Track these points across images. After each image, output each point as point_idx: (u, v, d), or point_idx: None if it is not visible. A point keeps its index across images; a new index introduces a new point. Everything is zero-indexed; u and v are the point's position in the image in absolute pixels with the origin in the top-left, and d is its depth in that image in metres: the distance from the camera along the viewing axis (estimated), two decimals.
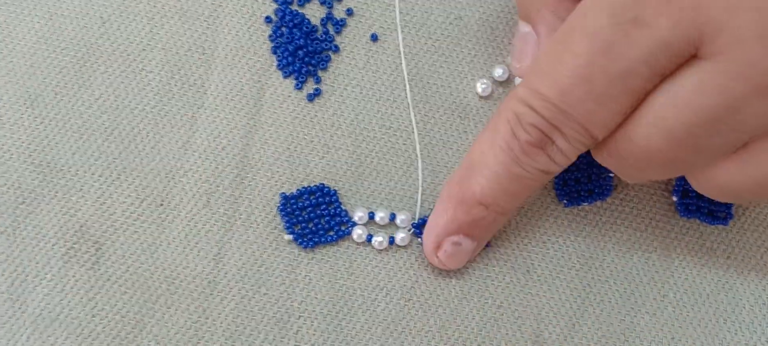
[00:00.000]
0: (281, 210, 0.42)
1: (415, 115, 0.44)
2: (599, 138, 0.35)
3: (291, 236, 0.41)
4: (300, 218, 0.42)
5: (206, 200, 0.41)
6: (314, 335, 0.41)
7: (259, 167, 0.42)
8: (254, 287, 0.41)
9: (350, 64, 0.44)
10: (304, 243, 0.41)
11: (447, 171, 0.43)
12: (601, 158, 0.36)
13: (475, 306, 0.41)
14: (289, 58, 0.44)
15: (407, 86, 0.44)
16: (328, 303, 0.41)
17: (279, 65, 0.44)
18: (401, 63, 0.44)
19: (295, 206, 0.42)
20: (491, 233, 0.41)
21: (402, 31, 0.44)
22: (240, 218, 0.41)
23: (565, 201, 0.43)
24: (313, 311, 0.41)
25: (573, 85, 0.33)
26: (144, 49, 0.43)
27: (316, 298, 0.41)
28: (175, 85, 0.43)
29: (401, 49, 0.44)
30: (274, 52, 0.44)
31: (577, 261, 0.42)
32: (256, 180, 0.42)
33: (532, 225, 0.43)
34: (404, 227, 0.42)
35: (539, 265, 0.42)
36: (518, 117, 0.35)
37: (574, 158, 0.36)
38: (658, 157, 0.33)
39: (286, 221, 0.41)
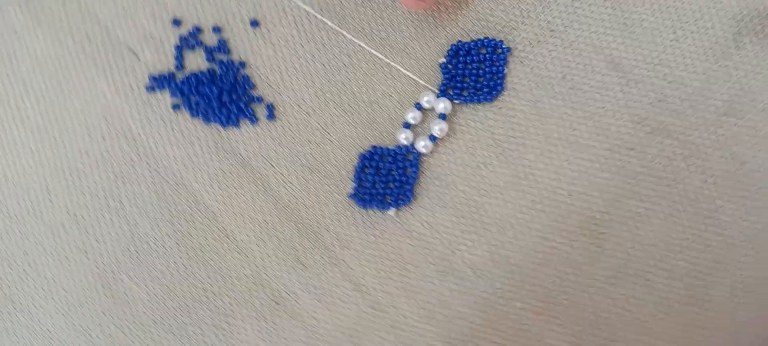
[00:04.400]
0: (364, 205, 0.42)
1: (346, 32, 0.43)
2: None
3: (392, 209, 0.42)
4: (380, 192, 0.42)
5: (300, 264, 0.42)
6: (475, 249, 0.42)
7: (304, 201, 0.42)
8: (401, 269, 0.42)
9: (266, 60, 0.43)
10: (405, 200, 0.42)
11: (410, 44, 0.43)
12: None
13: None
14: (224, 111, 0.43)
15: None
16: (459, 220, 0.42)
17: (223, 124, 0.43)
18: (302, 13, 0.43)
19: (367, 191, 0.42)
20: None
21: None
22: (337, 246, 0.42)
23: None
24: (456, 236, 0.42)
25: None
26: (132, 231, 0.42)
27: (448, 225, 0.42)
28: (182, 226, 0.43)
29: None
30: (208, 121, 0.43)
31: None
32: (314, 211, 0.42)
33: None
34: (433, 107, 0.42)
35: None
36: None
37: None
38: None
39: (377, 205, 0.42)
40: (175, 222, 0.42)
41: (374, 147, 0.42)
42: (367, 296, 0.42)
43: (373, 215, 0.43)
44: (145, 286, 0.42)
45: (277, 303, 0.42)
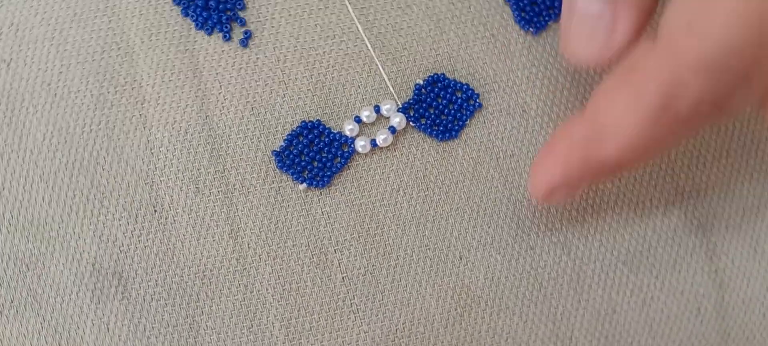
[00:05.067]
0: (281, 167, 0.42)
1: (351, 8, 0.44)
2: None
3: (304, 184, 0.42)
4: (302, 163, 0.42)
5: (195, 187, 0.42)
6: (355, 258, 0.43)
7: (230, 134, 0.42)
8: (282, 241, 0.42)
9: None
10: (319, 183, 0.42)
11: (400, 52, 0.44)
12: None
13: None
14: (204, 14, 0.42)
15: None
16: (356, 225, 0.43)
17: (197, 25, 0.43)
18: None
19: (291, 156, 0.42)
20: None
21: None
22: (237, 189, 0.42)
23: (531, 30, 0.44)
24: (346, 239, 0.43)
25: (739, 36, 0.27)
26: (60, 70, 0.41)
27: (344, 225, 0.43)
28: (108, 92, 0.42)
29: None
30: (186, 15, 0.43)
31: None
32: (235, 147, 0.42)
33: None
34: (389, 117, 0.43)
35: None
36: (675, 89, 0.29)
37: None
38: None
39: (292, 173, 0.42)
40: (104, 85, 0.42)
41: (318, 121, 0.43)
42: (238, 247, 0.42)
43: (284, 179, 0.43)
44: (45, 128, 0.41)
45: (155, 210, 0.42)
